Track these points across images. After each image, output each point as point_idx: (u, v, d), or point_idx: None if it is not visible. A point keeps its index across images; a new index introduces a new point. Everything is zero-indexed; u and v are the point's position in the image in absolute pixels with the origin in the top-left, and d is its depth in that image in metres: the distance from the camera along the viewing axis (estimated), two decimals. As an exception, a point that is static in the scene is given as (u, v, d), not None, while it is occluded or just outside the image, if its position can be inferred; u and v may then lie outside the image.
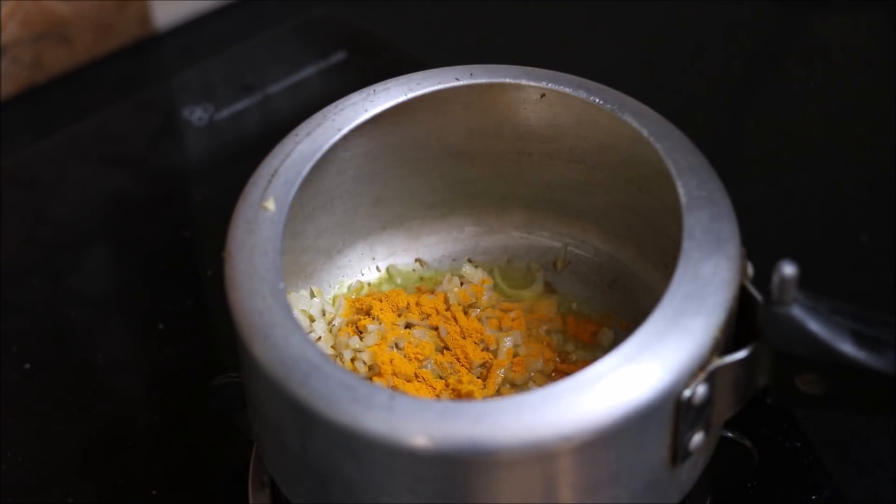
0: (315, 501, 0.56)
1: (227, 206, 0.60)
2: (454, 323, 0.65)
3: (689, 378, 0.53)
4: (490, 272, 0.70)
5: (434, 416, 0.51)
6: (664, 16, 1.02)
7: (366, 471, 0.53)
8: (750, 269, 0.57)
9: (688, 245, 0.56)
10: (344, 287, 0.69)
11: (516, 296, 0.69)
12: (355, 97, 0.63)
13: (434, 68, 0.64)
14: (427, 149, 0.68)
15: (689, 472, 0.58)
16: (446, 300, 0.66)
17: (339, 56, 0.96)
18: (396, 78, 0.64)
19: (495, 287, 0.69)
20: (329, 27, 0.99)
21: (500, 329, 0.65)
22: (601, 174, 0.66)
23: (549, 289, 0.69)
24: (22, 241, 0.85)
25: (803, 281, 0.54)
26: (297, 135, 0.62)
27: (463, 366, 0.63)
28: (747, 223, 0.58)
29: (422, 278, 0.70)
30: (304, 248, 0.66)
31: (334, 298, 0.68)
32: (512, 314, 0.66)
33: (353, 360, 0.63)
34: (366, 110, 0.63)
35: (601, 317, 0.68)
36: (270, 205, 0.59)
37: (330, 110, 0.63)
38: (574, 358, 0.65)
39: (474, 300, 0.67)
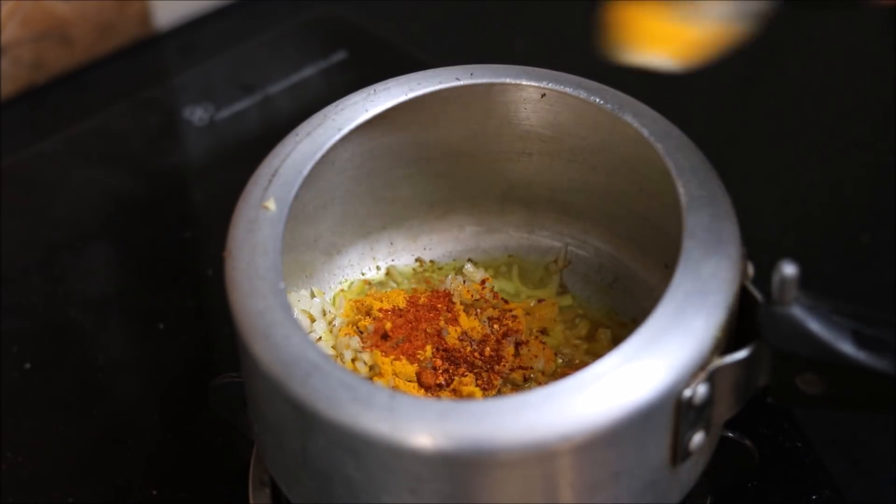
0: (315, 501, 0.56)
1: (227, 206, 0.60)
2: (455, 323, 0.65)
3: (690, 378, 0.53)
4: (507, 270, 0.70)
5: (435, 415, 0.51)
6: (664, 16, 1.02)
7: (366, 470, 0.53)
8: (750, 269, 0.57)
9: (688, 245, 0.56)
10: (344, 287, 0.69)
11: (530, 294, 0.69)
12: (355, 97, 0.63)
13: (434, 68, 0.64)
14: (427, 149, 0.68)
15: (690, 472, 0.57)
16: (447, 300, 0.66)
17: (339, 56, 0.96)
18: (396, 78, 0.64)
19: (511, 287, 0.69)
20: (329, 27, 0.99)
21: (501, 329, 0.65)
22: (601, 174, 0.66)
23: (564, 289, 0.69)
24: (22, 241, 0.85)
25: (803, 281, 0.54)
26: (297, 135, 0.62)
27: (463, 366, 0.63)
28: (748, 223, 0.58)
29: (422, 278, 0.70)
30: (304, 248, 0.66)
31: (335, 298, 0.68)
32: (513, 314, 0.66)
33: (353, 360, 0.63)
34: (366, 110, 0.63)
35: (601, 316, 0.68)
36: (271, 205, 0.59)
37: (330, 110, 0.63)
38: (574, 358, 0.65)
39: (475, 300, 0.67)
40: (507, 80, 0.64)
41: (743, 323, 0.56)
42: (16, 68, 0.94)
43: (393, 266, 0.70)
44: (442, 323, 0.65)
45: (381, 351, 0.63)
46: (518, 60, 0.65)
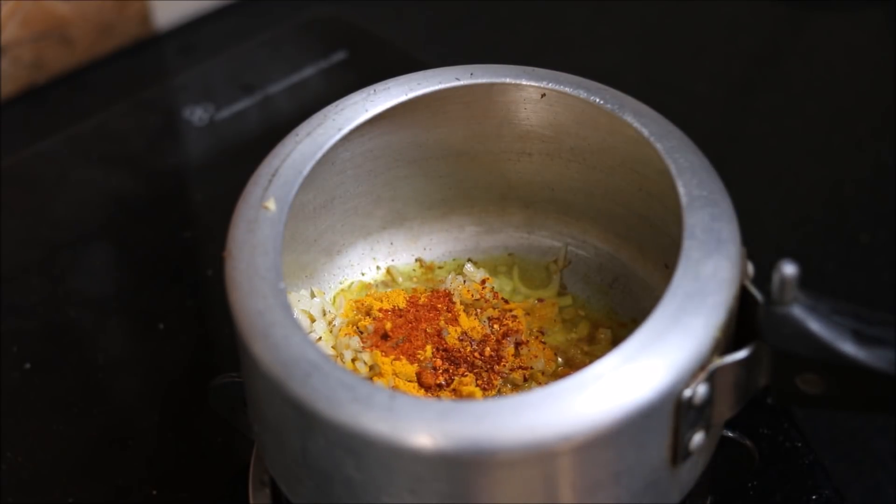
0: (315, 501, 0.56)
1: (227, 206, 0.60)
2: (455, 323, 0.65)
3: (690, 378, 0.53)
4: (507, 270, 0.70)
5: (435, 415, 0.51)
6: (664, 16, 1.02)
7: (366, 470, 0.53)
8: (750, 269, 0.57)
9: (688, 245, 0.56)
10: (344, 287, 0.69)
11: (531, 294, 0.69)
12: (355, 97, 0.63)
13: (434, 68, 0.65)
14: (427, 149, 0.68)
15: (690, 472, 0.58)
16: (447, 300, 0.66)
17: (339, 56, 0.96)
18: (396, 78, 0.64)
19: (512, 286, 0.69)
20: (329, 27, 1.00)
21: (501, 329, 0.65)
22: (601, 174, 0.66)
23: (564, 289, 0.69)
24: (22, 241, 0.85)
25: (803, 281, 0.54)
26: (297, 135, 0.62)
27: (463, 366, 0.63)
28: (748, 223, 0.58)
29: (422, 278, 0.70)
30: (304, 248, 0.66)
31: (335, 298, 0.68)
32: (513, 314, 0.66)
33: (353, 360, 0.63)
34: (366, 110, 0.63)
35: (601, 316, 0.68)
36: (271, 205, 0.59)
37: (330, 110, 0.63)
38: (574, 358, 0.65)
39: (476, 300, 0.67)
40: (507, 80, 0.64)
41: (743, 323, 0.56)
42: (16, 68, 0.94)
43: (393, 266, 0.70)
44: (442, 323, 0.65)
45: (381, 351, 0.63)
46: (518, 60, 0.65)
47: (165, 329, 0.79)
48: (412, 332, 0.64)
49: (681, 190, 0.58)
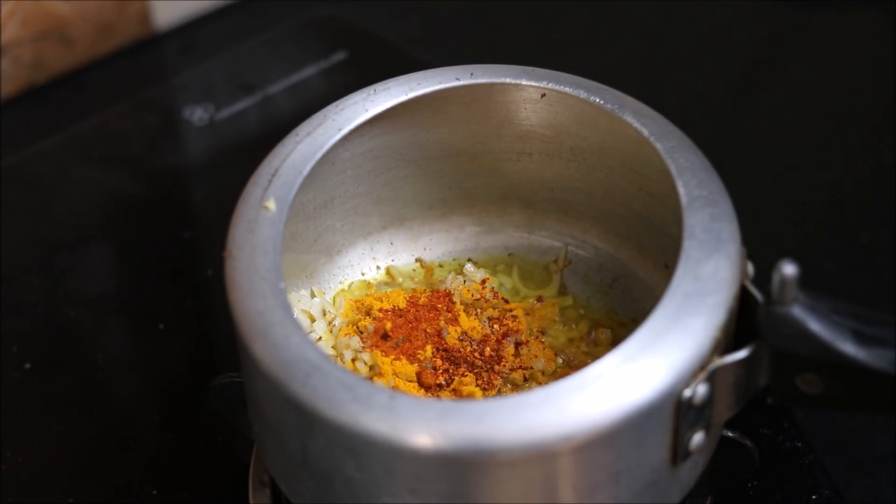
0: (315, 501, 0.56)
1: (227, 206, 0.60)
2: (455, 323, 0.65)
3: (690, 378, 0.53)
4: (507, 270, 0.70)
5: (435, 415, 0.51)
6: (664, 16, 1.02)
7: (366, 470, 0.53)
8: (750, 269, 0.57)
9: (688, 245, 0.56)
10: (344, 287, 0.69)
11: (531, 294, 0.69)
12: (355, 97, 0.63)
13: (434, 68, 0.65)
14: (427, 149, 0.68)
15: (690, 472, 0.58)
16: (447, 300, 0.66)
17: (339, 56, 0.96)
18: (396, 78, 0.64)
19: (512, 286, 0.69)
20: (329, 27, 1.00)
21: (501, 329, 0.65)
22: (601, 174, 0.66)
23: (564, 289, 0.69)
24: (22, 241, 0.85)
25: (803, 281, 0.54)
26: (297, 135, 0.62)
27: (463, 366, 0.63)
28: (748, 223, 0.58)
29: (422, 278, 0.70)
30: (304, 248, 0.66)
31: (335, 298, 0.68)
32: (513, 314, 0.66)
33: (353, 360, 0.63)
34: (366, 110, 0.63)
35: (601, 316, 0.68)
36: (271, 205, 0.59)
37: (330, 110, 0.63)
38: (574, 358, 0.65)
39: (476, 300, 0.67)
40: (507, 80, 0.64)
41: (743, 323, 0.56)
42: (16, 68, 0.94)
43: (393, 266, 0.70)
44: (442, 323, 0.65)
45: (381, 351, 0.63)
46: (518, 60, 0.65)
47: (165, 329, 0.79)
48: (412, 332, 0.64)
49: (681, 190, 0.58)
